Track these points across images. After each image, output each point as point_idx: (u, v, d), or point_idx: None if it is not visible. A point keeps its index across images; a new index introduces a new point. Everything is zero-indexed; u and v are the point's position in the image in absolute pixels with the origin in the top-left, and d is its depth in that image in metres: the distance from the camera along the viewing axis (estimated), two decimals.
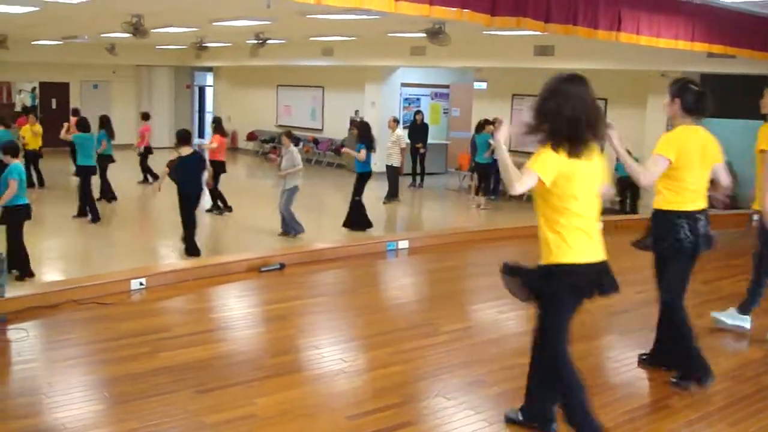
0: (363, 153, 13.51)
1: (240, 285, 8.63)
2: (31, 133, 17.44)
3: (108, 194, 15.94)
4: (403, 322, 7.48)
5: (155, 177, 18.59)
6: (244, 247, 12.11)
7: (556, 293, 4.42)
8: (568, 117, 4.23)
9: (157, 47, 24.56)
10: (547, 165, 4.25)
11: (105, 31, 17.65)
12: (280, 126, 25.79)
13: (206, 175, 12.25)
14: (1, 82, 32.65)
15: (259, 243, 12.68)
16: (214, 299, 8.37)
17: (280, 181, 13.07)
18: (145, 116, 19.01)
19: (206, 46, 21.07)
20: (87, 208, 14.02)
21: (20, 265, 9.81)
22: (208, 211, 14.96)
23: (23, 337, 6.57)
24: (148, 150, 18.69)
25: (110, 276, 8.44)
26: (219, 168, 14.67)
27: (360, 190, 13.68)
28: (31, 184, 16.89)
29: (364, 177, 13.72)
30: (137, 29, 12.66)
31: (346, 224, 13.63)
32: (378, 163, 15.83)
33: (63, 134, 15.49)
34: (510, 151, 4.50)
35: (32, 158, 17.35)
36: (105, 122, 15.88)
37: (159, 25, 14.57)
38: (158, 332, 6.84)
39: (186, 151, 11.55)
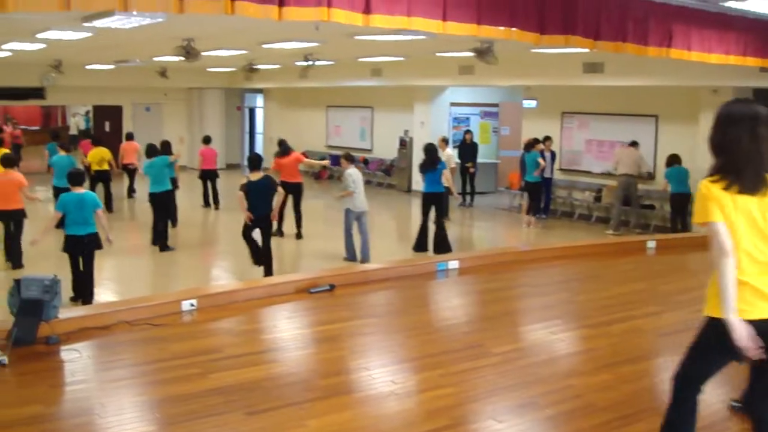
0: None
1: (290, 306, 8.64)
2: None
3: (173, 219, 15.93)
4: (453, 343, 7.43)
5: (216, 202, 18.77)
6: (293, 268, 12.13)
7: (702, 344, 4.08)
8: (733, 146, 3.84)
9: (207, 70, 24.87)
10: (708, 206, 3.84)
11: (157, 55, 17.94)
12: (330, 147, 25.95)
13: (276, 200, 11.66)
14: (56, 105, 33.28)
15: (308, 264, 12.70)
16: (264, 320, 8.40)
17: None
18: (206, 140, 19.13)
19: (256, 68, 21.27)
20: (160, 232, 14.02)
21: (74, 288, 10.00)
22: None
23: (76, 357, 6.66)
24: (215, 174, 18.85)
25: (161, 297, 8.54)
26: (289, 189, 14.09)
27: (426, 211, 13.66)
28: (109, 208, 17.42)
29: (429, 198, 13.64)
30: (188, 52, 12.81)
31: (432, 248, 13.63)
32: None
33: (135, 163, 17.96)
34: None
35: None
36: (165, 147, 15.86)
37: (210, 47, 14.75)
38: (209, 353, 6.88)
39: (256, 176, 11.49)
